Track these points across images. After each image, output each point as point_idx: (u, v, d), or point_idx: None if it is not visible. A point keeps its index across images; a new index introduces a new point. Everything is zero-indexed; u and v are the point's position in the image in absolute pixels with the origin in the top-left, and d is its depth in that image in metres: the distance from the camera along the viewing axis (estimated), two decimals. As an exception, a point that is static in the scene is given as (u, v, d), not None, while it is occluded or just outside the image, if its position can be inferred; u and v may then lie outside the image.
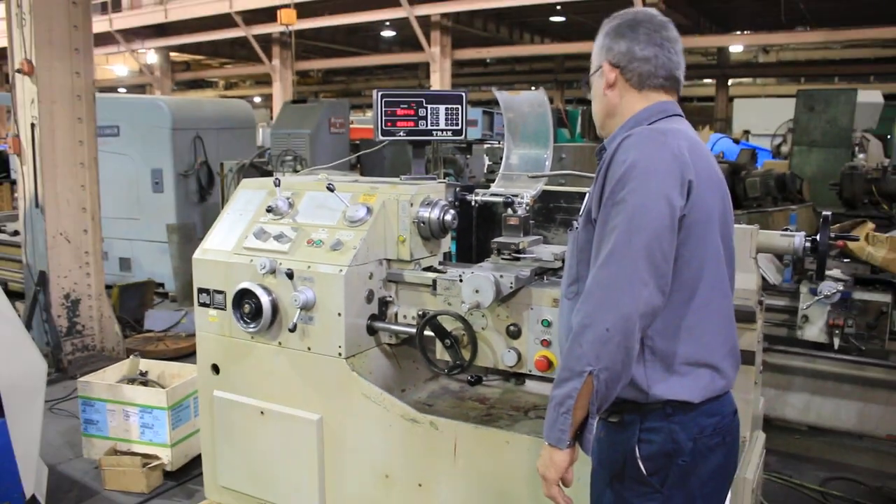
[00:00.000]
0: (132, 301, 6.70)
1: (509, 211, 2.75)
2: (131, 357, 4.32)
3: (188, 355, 5.43)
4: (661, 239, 1.65)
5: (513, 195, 2.79)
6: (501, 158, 3.09)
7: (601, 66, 1.89)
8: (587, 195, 1.87)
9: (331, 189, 2.72)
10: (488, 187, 3.01)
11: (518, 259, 2.63)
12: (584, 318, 1.66)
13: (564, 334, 1.88)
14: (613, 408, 1.78)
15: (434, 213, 2.75)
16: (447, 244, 2.96)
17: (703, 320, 1.79)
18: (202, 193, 7.82)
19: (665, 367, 1.76)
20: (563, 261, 2.27)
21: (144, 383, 4.08)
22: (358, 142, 9.03)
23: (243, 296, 2.75)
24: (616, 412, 1.80)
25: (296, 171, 6.86)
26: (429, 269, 2.83)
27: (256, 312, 2.72)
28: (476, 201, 3.00)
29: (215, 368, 2.96)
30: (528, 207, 2.75)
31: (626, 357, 1.64)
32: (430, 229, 2.76)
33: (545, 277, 2.60)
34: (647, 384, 1.75)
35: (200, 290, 2.94)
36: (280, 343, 2.77)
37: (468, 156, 8.11)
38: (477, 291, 2.38)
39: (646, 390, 1.75)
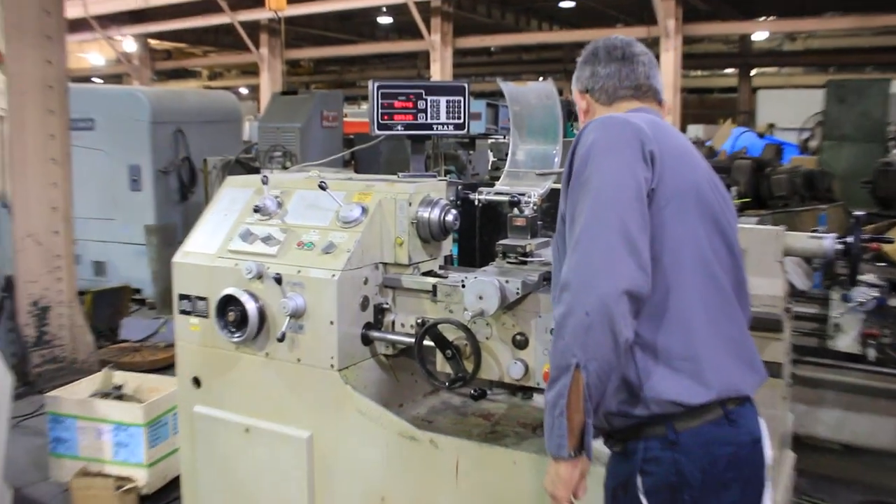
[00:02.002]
0: (107, 308, 6.71)
1: (515, 211, 2.75)
2: (105, 369, 4.32)
3: (167, 367, 5.42)
4: (631, 211, 1.69)
5: (519, 194, 2.78)
6: (507, 154, 3.10)
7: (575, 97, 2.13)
8: (560, 197, 1.91)
9: (323, 187, 2.72)
10: (493, 185, 3.01)
11: (525, 263, 2.63)
12: (563, 307, 1.66)
13: None
14: (617, 435, 1.77)
15: (434, 214, 2.75)
16: (448, 247, 2.96)
17: (689, 308, 1.76)
18: (184, 192, 7.84)
19: (656, 362, 1.74)
20: None
21: (119, 398, 4.08)
22: (352, 136, 9.05)
23: (227, 302, 2.75)
24: (619, 440, 1.78)
25: (285, 168, 6.88)
26: (428, 273, 2.83)
27: (242, 321, 2.72)
28: (479, 201, 2.99)
29: (196, 381, 2.96)
30: (535, 207, 2.74)
31: (614, 343, 1.62)
32: (429, 231, 2.76)
33: (555, 283, 2.60)
34: (639, 382, 1.72)
35: (181, 297, 2.94)
36: (267, 354, 2.77)
37: (471, 151, 8.16)
38: (480, 298, 2.37)
39: (638, 391, 1.72)
